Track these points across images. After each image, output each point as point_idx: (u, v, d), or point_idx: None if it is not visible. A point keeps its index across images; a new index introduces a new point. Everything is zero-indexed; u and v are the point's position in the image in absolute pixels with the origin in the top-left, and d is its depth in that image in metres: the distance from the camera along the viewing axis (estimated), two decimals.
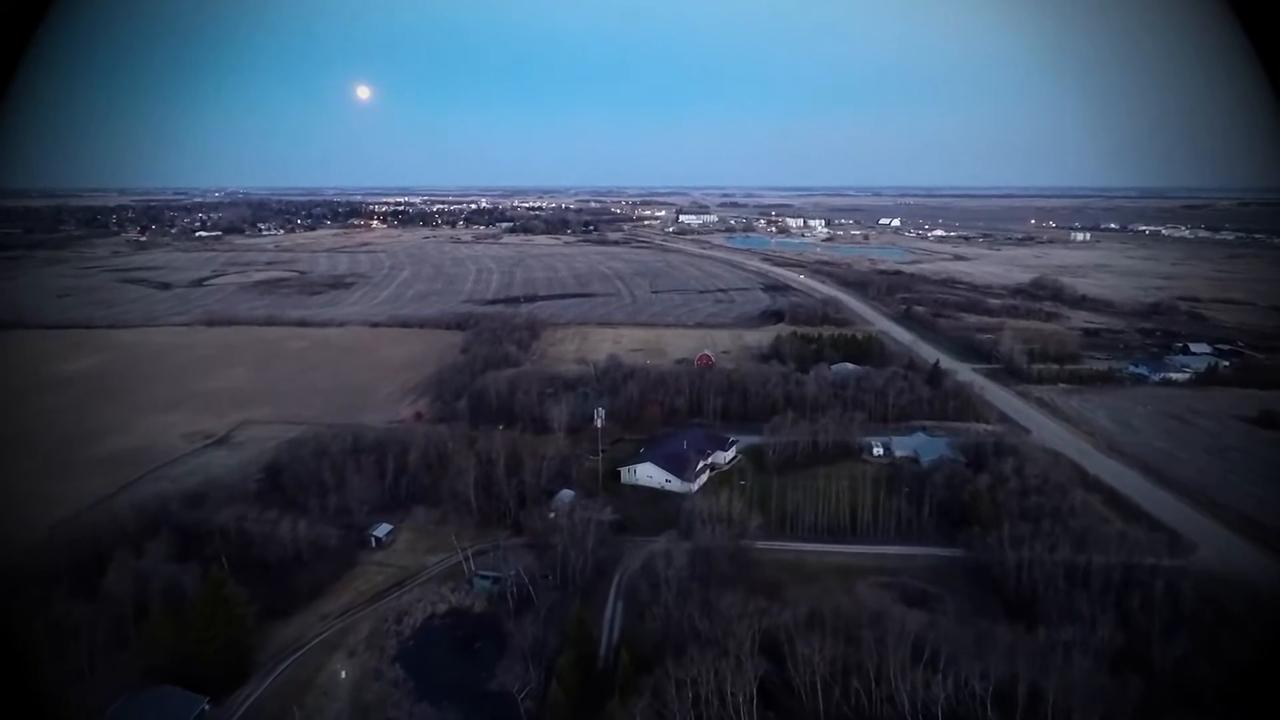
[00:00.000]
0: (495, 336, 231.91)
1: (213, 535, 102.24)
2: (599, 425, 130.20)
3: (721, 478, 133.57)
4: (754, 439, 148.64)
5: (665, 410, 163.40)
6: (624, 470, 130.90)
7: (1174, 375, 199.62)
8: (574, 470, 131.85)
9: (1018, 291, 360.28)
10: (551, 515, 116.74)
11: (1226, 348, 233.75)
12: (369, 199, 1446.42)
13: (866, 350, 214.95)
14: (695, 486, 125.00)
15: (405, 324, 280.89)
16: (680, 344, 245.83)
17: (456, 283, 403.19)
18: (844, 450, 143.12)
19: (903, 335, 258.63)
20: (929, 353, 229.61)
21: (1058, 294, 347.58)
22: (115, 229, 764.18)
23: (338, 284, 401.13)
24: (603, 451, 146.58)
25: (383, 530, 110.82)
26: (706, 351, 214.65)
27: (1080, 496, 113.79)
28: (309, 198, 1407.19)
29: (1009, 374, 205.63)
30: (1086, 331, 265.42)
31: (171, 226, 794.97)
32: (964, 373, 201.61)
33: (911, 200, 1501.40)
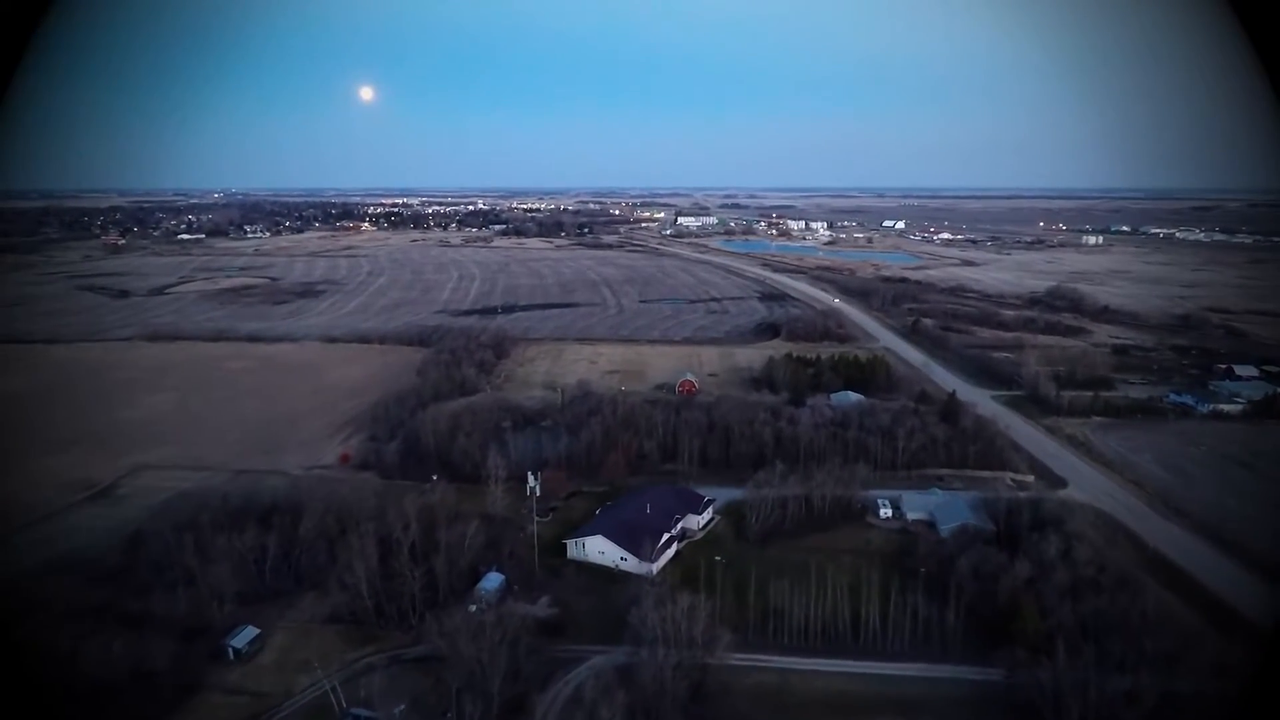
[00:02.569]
0: (455, 357, 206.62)
1: (11, 650, 76.92)
2: (534, 490, 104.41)
3: (693, 550, 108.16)
4: (736, 493, 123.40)
5: (633, 455, 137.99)
6: (571, 543, 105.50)
7: (1224, 406, 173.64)
8: (510, 541, 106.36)
9: (1034, 301, 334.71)
10: (472, 609, 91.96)
11: (1276, 370, 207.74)
12: (368, 200, 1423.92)
13: (871, 374, 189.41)
14: (656, 567, 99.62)
15: (364, 339, 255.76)
16: (663, 364, 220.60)
17: (433, 291, 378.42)
18: (844, 510, 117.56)
19: (911, 354, 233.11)
20: (941, 376, 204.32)
21: (1077, 304, 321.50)
22: (97, 232, 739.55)
23: (307, 292, 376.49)
24: (552, 510, 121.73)
25: (244, 637, 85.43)
26: (689, 377, 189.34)
27: (1153, 593, 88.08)
28: (307, 199, 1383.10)
29: (1034, 403, 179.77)
30: (1114, 349, 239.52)
31: (155, 229, 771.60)
32: (983, 402, 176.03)
33: (915, 201, 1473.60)
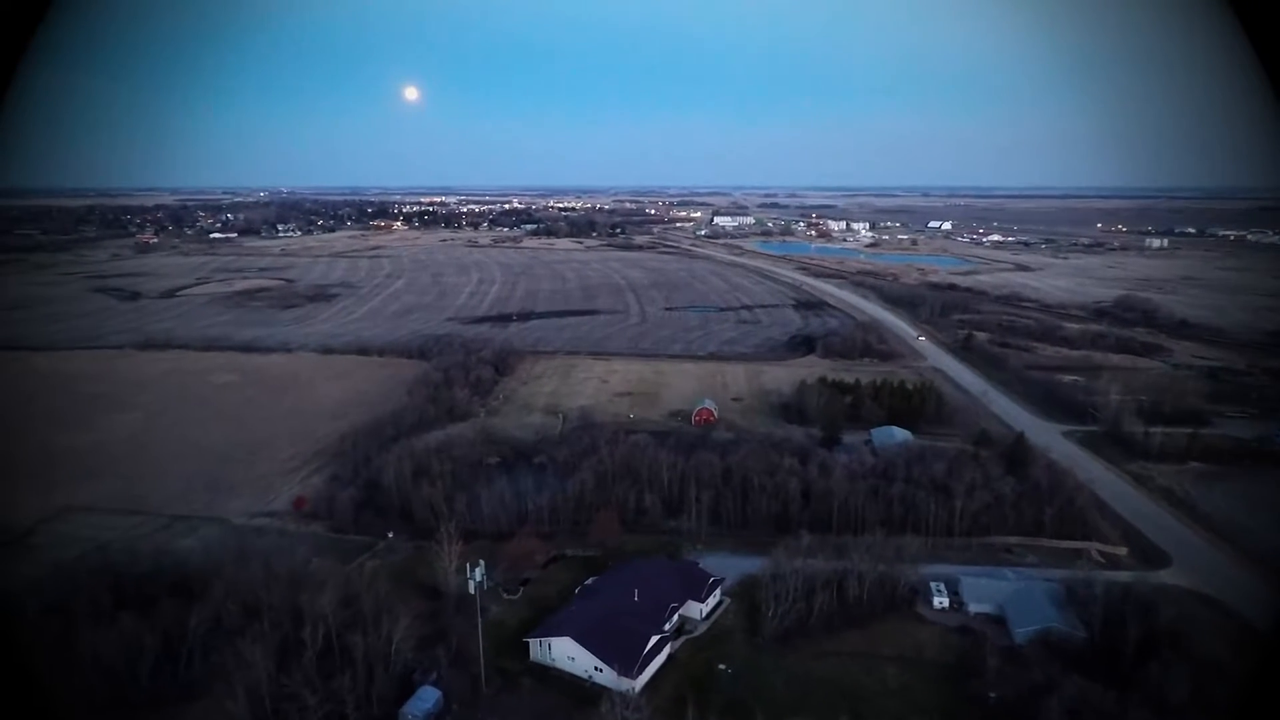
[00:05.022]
0: (449, 376, 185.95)
1: None
2: (481, 584, 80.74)
3: (691, 653, 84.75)
4: (752, 564, 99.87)
5: (630, 510, 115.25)
6: (534, 643, 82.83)
7: None
8: (460, 632, 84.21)
9: (1100, 313, 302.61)
10: None
11: None
12: (409, 198, 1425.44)
13: (919, 405, 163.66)
14: (640, 683, 76.50)
15: (363, 351, 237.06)
16: (682, 385, 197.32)
17: (450, 295, 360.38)
18: (887, 596, 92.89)
19: (964, 376, 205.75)
20: (1001, 406, 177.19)
21: (1150, 317, 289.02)
22: (134, 230, 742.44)
23: (319, 295, 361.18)
24: (524, 584, 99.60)
25: None
26: (708, 405, 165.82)
27: None
28: (348, 197, 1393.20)
29: (1115, 442, 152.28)
30: (1203, 373, 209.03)
31: (191, 227, 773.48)
32: (1054, 442, 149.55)
33: (962, 201, 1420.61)
